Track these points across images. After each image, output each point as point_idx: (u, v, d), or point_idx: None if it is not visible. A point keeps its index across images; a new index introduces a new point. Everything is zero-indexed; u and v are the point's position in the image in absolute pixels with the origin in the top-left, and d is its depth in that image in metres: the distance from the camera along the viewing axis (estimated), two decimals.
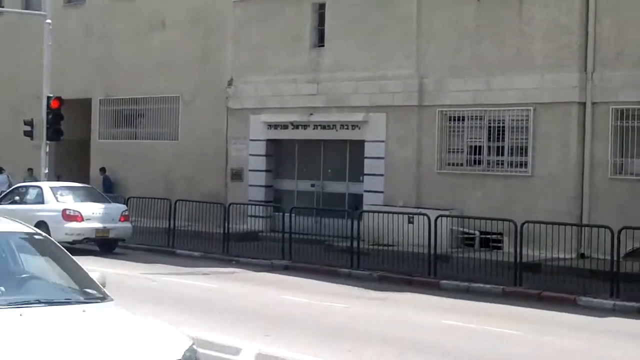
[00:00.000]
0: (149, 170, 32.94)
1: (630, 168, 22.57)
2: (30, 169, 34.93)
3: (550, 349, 13.43)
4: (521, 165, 24.17)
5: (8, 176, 37.08)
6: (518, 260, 19.63)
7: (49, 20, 30.96)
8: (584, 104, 23.13)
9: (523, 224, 19.91)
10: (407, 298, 18.51)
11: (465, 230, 24.32)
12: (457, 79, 25.29)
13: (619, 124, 22.68)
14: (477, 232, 24.09)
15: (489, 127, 24.76)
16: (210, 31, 31.89)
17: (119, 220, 25.92)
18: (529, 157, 23.94)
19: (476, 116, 25.00)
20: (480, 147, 24.98)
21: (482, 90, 24.78)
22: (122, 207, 26.94)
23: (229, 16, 31.00)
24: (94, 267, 22.06)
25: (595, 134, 23.00)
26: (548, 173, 23.51)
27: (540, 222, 20.66)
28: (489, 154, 24.81)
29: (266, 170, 29.73)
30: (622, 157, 22.68)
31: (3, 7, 38.91)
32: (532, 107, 23.89)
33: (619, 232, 18.55)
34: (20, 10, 37.01)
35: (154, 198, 28.51)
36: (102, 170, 34.82)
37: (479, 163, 24.99)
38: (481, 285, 19.57)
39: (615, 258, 18.38)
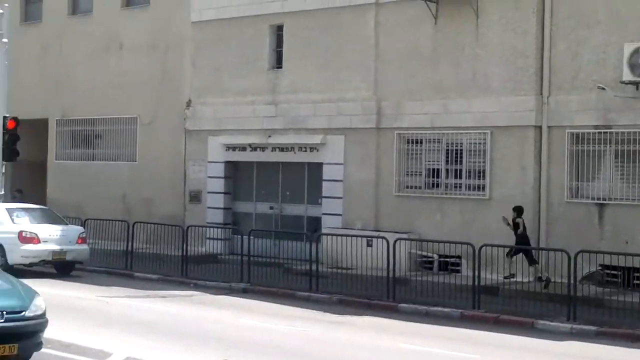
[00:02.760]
0: (107, 191, 32.73)
1: (586, 192, 22.79)
2: None
3: None
4: (479, 188, 24.32)
5: None
6: (476, 283, 19.73)
7: (5, 39, 30.69)
8: (540, 127, 23.36)
9: (481, 247, 20.02)
10: (366, 321, 18.53)
11: (424, 253, 24.42)
12: (414, 102, 25.44)
13: (574, 147, 22.90)
14: (435, 256, 24.20)
15: (447, 150, 24.91)
16: (169, 52, 31.83)
17: (76, 243, 25.75)
18: (487, 181, 24.11)
19: (434, 139, 25.15)
20: (438, 170, 25.12)
21: (440, 113, 24.94)
22: (80, 229, 26.75)
23: (187, 37, 30.99)
24: (50, 289, 21.94)
25: (552, 158, 23.22)
26: (505, 196, 23.66)
27: (498, 246, 20.81)
28: (447, 177, 24.95)
29: (224, 193, 29.67)
30: (578, 180, 22.89)
31: None
32: (489, 131, 24.07)
33: (576, 255, 18.73)
34: None
35: (112, 220, 28.35)
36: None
37: (437, 186, 25.11)
38: (440, 308, 19.63)
39: (572, 281, 18.53)
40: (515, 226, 22.10)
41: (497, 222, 22.64)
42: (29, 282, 23.34)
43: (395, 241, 21.40)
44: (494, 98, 24.02)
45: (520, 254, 21.81)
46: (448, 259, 23.62)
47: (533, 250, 22.18)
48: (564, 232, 22.65)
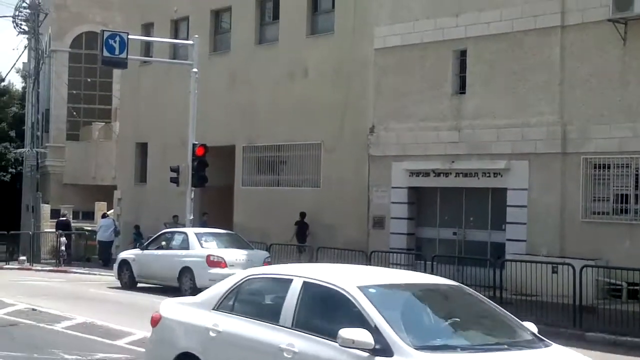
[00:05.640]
0: (291, 216, 33.14)
1: None
2: (175, 216, 35.67)
3: None
4: None
5: (114, 220, 38.52)
6: None
7: (195, 69, 31.70)
8: None
9: None
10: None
11: (612, 281, 23.68)
12: (602, 126, 24.81)
13: None
14: (624, 284, 23.43)
15: (636, 175, 24.17)
16: (352, 79, 32.09)
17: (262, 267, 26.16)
18: None
19: (622, 164, 24.44)
20: (627, 195, 24.39)
21: (629, 137, 24.24)
22: (265, 253, 27.24)
23: (370, 64, 31.18)
24: None
25: None
26: None
27: None
28: (636, 203, 24.19)
29: (408, 218, 29.63)
30: None
31: (152, 56, 40.06)
32: None
33: None
34: (168, 60, 38.02)
35: (296, 245, 28.70)
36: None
37: (626, 212, 24.38)
38: (629, 338, 18.98)
39: None
40: (301, 225, 32.10)
41: None
42: None
43: (581, 268, 20.88)
44: None
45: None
46: (638, 287, 22.83)
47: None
48: None
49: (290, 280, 9.55)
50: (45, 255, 42.46)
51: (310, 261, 29.21)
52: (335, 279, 9.33)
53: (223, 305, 10.19)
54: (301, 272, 9.75)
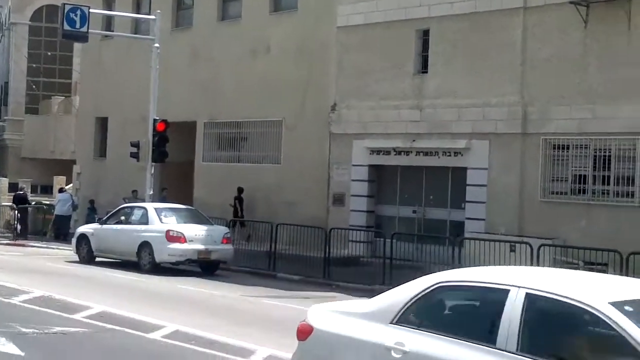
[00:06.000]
0: (251, 193, 33.17)
1: None
2: (134, 191, 35.52)
3: None
4: (627, 195, 23.73)
5: (71, 195, 38.50)
6: None
7: (156, 45, 31.50)
8: None
9: (629, 255, 19.52)
10: None
11: (569, 260, 23.88)
12: (562, 107, 25.00)
13: None
14: (580, 263, 23.64)
15: (595, 156, 24.40)
16: (314, 56, 32.05)
17: (221, 243, 26.18)
18: (636, 187, 23.50)
19: (581, 145, 24.66)
20: (585, 176, 24.62)
21: (588, 118, 24.44)
22: (224, 229, 27.20)
23: (333, 42, 31.16)
24: (195, 287, 22.40)
25: None
26: None
27: None
28: (594, 183, 24.42)
29: (368, 196, 29.72)
30: None
31: (113, 31, 39.76)
32: (639, 137, 23.46)
33: None
34: (129, 35, 37.73)
35: (255, 221, 28.72)
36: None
37: (584, 192, 24.62)
38: None
39: None
40: (240, 201, 32.80)
41: None
42: (174, 280, 23.94)
43: (539, 247, 21.09)
44: None
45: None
46: (594, 267, 23.06)
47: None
48: None
49: (506, 291, 7.71)
50: (2, 229, 42.13)
51: (250, 235, 30.00)
52: (575, 292, 7.42)
53: (405, 318, 8.31)
54: (518, 281, 7.84)
